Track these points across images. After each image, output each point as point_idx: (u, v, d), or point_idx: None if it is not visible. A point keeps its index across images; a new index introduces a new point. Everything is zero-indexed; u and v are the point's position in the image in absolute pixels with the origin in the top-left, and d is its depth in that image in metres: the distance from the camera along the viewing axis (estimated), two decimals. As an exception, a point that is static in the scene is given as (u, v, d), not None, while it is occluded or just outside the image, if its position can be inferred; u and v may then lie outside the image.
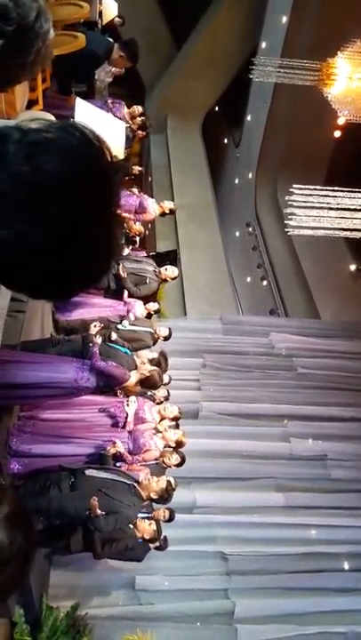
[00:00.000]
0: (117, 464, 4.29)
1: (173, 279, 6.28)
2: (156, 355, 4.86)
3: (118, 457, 4.23)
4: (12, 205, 0.71)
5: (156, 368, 4.60)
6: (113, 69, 6.91)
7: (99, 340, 4.35)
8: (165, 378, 5.23)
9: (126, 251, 6.16)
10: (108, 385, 4.37)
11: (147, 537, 4.05)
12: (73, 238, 0.74)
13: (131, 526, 4.09)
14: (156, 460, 4.56)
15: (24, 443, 4.02)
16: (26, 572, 0.85)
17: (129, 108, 6.67)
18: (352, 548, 5.76)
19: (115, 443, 4.11)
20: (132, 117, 6.55)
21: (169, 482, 4.24)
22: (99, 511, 3.76)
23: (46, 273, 0.76)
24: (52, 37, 1.07)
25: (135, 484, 4.12)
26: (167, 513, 4.34)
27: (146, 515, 4.12)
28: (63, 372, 3.94)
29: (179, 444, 4.66)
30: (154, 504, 4.31)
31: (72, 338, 4.85)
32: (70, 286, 0.82)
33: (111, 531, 3.92)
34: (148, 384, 4.60)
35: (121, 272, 5.66)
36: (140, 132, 6.55)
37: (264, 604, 5.14)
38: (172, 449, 4.66)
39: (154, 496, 4.14)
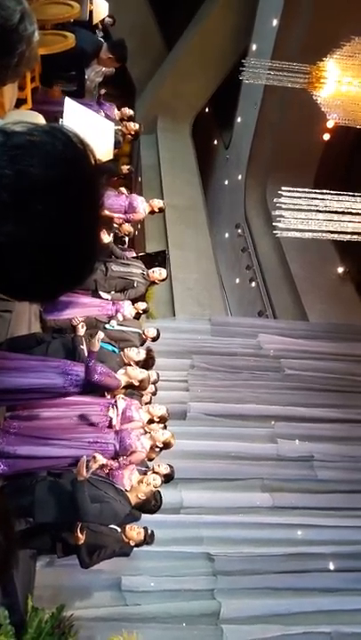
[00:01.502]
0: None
1: (162, 281, 6.27)
2: (143, 355, 4.85)
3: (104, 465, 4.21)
4: None
5: (146, 373, 4.57)
6: (103, 69, 6.89)
7: (97, 346, 4.27)
8: (154, 374, 5.21)
9: (110, 239, 6.09)
10: (98, 390, 4.36)
11: (132, 543, 4.05)
12: (56, 241, 0.74)
13: (118, 529, 4.08)
14: (142, 460, 4.55)
15: (9, 444, 3.99)
16: (6, 570, 0.85)
17: (119, 109, 6.66)
18: (338, 548, 5.79)
19: (95, 457, 4.07)
20: (122, 119, 6.54)
21: (157, 489, 4.23)
22: (85, 471, 3.64)
23: (29, 275, 0.76)
24: (36, 40, 1.07)
25: (123, 489, 4.11)
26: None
27: (134, 511, 4.10)
28: (51, 378, 3.92)
29: (166, 445, 4.65)
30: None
31: (60, 337, 4.82)
32: (53, 288, 0.82)
33: (96, 533, 3.90)
34: (138, 388, 4.60)
35: (104, 296, 5.61)
36: (129, 136, 6.55)
37: (250, 604, 5.15)
38: (159, 449, 4.65)
39: (142, 497, 4.13)
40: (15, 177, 0.72)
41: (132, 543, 4.07)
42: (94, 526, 3.92)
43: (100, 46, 5.41)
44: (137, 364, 4.68)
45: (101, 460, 4.07)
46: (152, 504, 4.29)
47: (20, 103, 4.23)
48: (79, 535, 3.76)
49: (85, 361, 4.10)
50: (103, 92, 6.79)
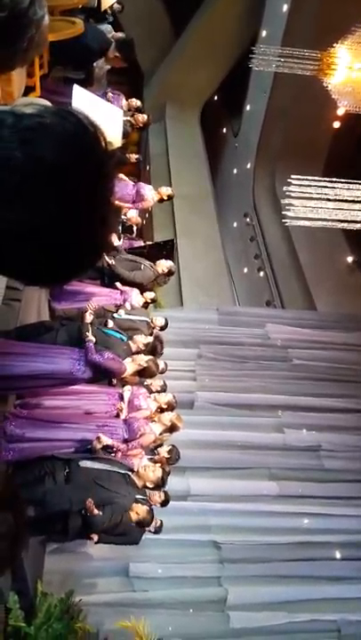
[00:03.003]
0: (111, 454, 4.29)
1: (170, 271, 6.22)
2: (151, 339, 4.86)
3: (110, 448, 4.23)
4: (5, 191, 0.71)
5: (151, 357, 4.60)
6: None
7: (90, 335, 4.28)
8: (161, 364, 5.23)
9: (120, 243, 6.11)
10: (105, 377, 4.38)
11: (141, 516, 4.03)
12: (66, 224, 0.74)
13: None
14: (152, 442, 4.57)
15: (18, 427, 4.04)
16: (16, 552, 0.86)
17: (127, 99, 6.62)
18: (344, 537, 5.82)
19: (99, 438, 4.10)
20: (130, 109, 6.51)
21: (164, 470, 4.26)
22: (96, 511, 3.77)
23: (39, 259, 0.75)
24: (46, 24, 1.06)
25: (130, 473, 4.14)
26: (162, 495, 4.36)
27: (142, 498, 4.14)
28: (59, 363, 3.95)
29: (173, 426, 4.67)
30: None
31: (68, 325, 4.84)
32: (63, 273, 0.81)
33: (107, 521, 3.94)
34: (145, 374, 4.61)
35: (108, 260, 5.62)
36: (138, 127, 6.52)
37: (256, 591, 5.19)
38: (167, 432, 4.68)
39: (150, 485, 4.16)
40: (26, 159, 0.71)
41: (140, 515, 4.05)
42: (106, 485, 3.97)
43: (108, 45, 5.36)
44: (145, 346, 4.69)
45: (106, 440, 4.09)
46: (160, 485, 4.30)
47: (28, 91, 4.22)
48: (91, 507, 3.80)
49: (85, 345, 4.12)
50: (110, 91, 6.75)
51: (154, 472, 4.19)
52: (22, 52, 1.05)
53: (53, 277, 0.80)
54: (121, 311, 5.40)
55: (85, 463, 4.02)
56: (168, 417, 4.67)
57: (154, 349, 4.89)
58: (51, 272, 0.78)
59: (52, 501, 3.84)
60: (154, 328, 5.70)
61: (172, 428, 4.71)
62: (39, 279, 0.81)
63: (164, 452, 4.60)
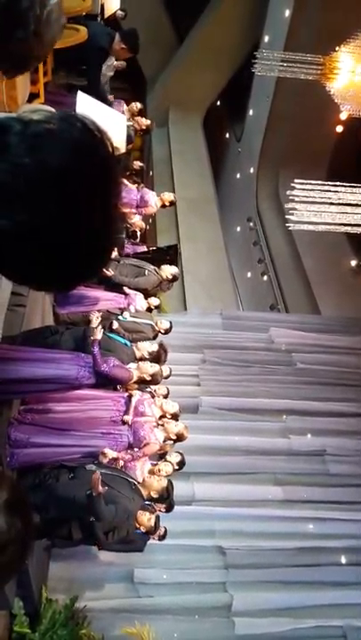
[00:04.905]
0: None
1: (174, 277, 6.21)
2: (156, 347, 4.86)
3: (115, 459, 4.23)
4: (12, 196, 0.71)
5: (157, 367, 4.58)
6: (115, 63, 6.87)
7: (99, 334, 4.28)
8: (166, 369, 5.22)
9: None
10: (110, 383, 4.38)
11: (143, 530, 4.04)
12: (73, 229, 0.74)
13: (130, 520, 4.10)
14: (156, 452, 4.57)
15: (23, 432, 4.04)
16: (23, 558, 0.85)
17: (128, 104, 6.64)
18: (349, 542, 5.78)
19: (104, 452, 4.09)
20: (132, 114, 6.53)
21: (170, 481, 4.24)
22: (101, 487, 3.68)
23: (39, 259, 0.76)
24: (54, 2, 0.97)
25: (136, 483, 4.13)
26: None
27: (148, 504, 4.13)
28: (64, 369, 3.95)
29: (180, 437, 4.66)
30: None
31: (73, 329, 4.84)
32: (71, 278, 0.82)
33: (110, 521, 3.93)
34: (149, 382, 4.61)
35: (106, 272, 5.60)
36: (141, 131, 6.55)
37: (262, 597, 5.16)
38: (172, 442, 4.67)
39: (154, 495, 4.14)
40: (34, 166, 0.71)
41: (143, 529, 4.06)
42: (111, 484, 3.94)
43: (113, 37, 5.39)
44: (150, 354, 4.68)
45: (112, 453, 4.09)
46: (165, 497, 4.30)
47: (32, 98, 4.23)
48: (97, 478, 3.72)
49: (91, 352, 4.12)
50: (115, 99, 6.78)
51: (159, 482, 4.18)
52: (33, 36, 0.97)
53: (54, 279, 0.80)
54: (126, 313, 5.40)
55: (92, 467, 4.02)
56: (177, 429, 4.65)
57: (158, 358, 4.88)
58: (51, 273, 0.78)
59: (55, 499, 3.82)
60: (158, 331, 5.70)
61: (178, 439, 4.71)
62: (40, 281, 0.81)
63: (173, 461, 4.58)
